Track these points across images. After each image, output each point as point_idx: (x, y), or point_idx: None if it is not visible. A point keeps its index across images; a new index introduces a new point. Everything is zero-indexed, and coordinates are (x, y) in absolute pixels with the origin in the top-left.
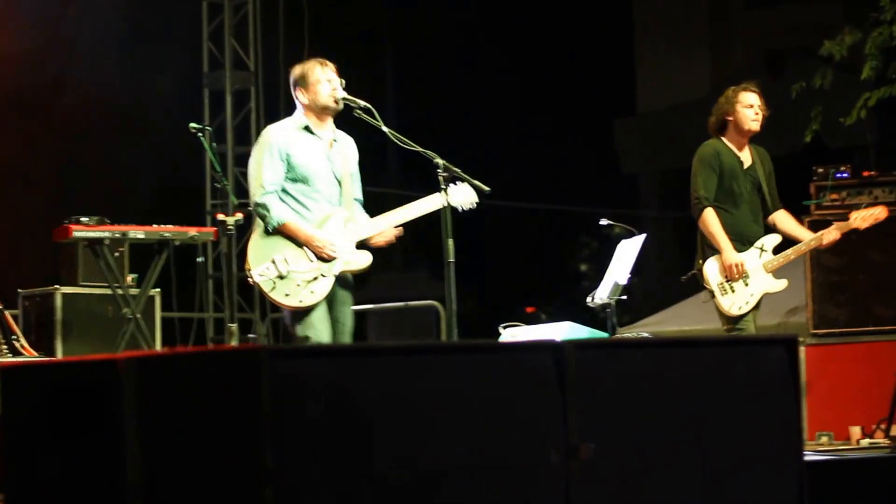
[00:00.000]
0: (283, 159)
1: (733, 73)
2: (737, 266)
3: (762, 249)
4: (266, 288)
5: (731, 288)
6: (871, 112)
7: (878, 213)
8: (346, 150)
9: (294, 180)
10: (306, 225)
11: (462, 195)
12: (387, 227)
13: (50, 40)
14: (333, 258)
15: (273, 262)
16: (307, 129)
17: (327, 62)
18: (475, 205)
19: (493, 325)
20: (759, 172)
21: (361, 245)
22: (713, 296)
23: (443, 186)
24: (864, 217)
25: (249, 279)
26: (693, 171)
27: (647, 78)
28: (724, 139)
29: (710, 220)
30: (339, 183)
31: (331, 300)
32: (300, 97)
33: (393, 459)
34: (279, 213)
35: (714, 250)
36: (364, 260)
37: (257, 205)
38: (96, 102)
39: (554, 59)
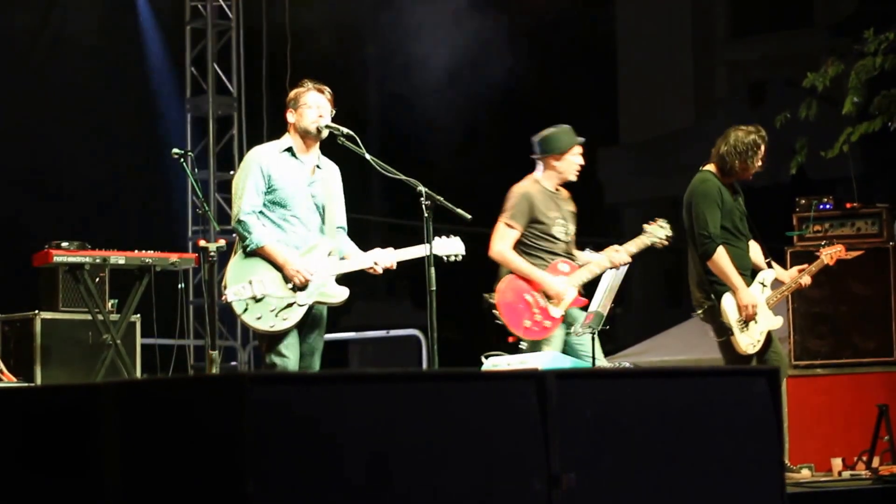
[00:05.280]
0: (265, 180)
1: (716, 103)
2: (753, 306)
3: (763, 285)
4: (238, 309)
5: (747, 326)
6: (854, 143)
7: (839, 251)
8: (329, 177)
9: (273, 203)
10: (284, 248)
11: (449, 246)
12: (369, 263)
13: (29, 57)
14: (305, 284)
15: (249, 282)
16: (291, 151)
17: (324, 89)
18: (461, 257)
19: (475, 353)
20: (741, 203)
21: (342, 279)
22: (731, 333)
23: (426, 215)
24: (831, 255)
25: (224, 298)
26: (696, 207)
27: (631, 107)
28: (715, 172)
29: (723, 258)
30: (322, 210)
31: (303, 325)
32: (288, 116)
33: (374, 487)
34: (259, 235)
35: (722, 285)
36: (340, 294)
37: (239, 222)
38: (76, 126)
39: (537, 88)
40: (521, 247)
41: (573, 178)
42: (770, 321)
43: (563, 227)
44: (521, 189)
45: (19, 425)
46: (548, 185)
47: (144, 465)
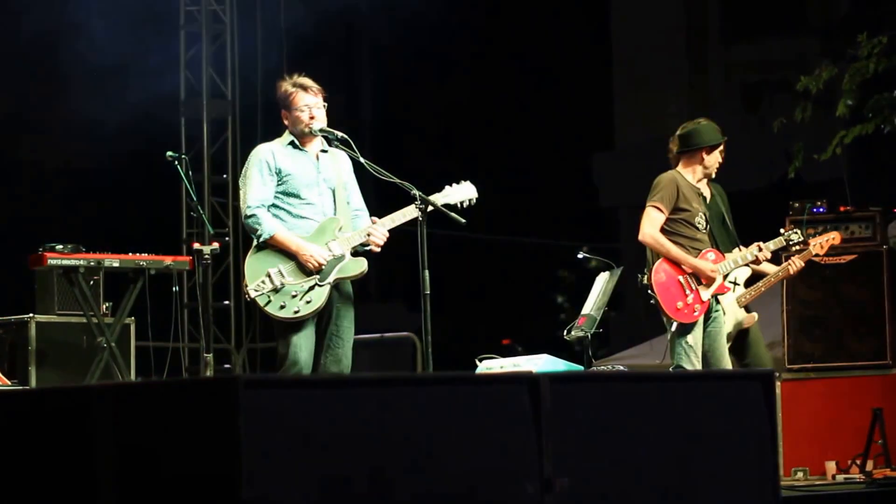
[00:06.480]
0: (274, 174)
1: (711, 106)
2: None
3: (735, 283)
4: (262, 302)
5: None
6: (847, 147)
7: (833, 237)
8: (337, 160)
9: (287, 193)
10: (295, 236)
11: (461, 193)
12: (375, 231)
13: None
14: (320, 268)
15: (268, 275)
16: (293, 144)
17: (311, 86)
18: (474, 201)
19: (469, 357)
20: (721, 206)
21: (359, 252)
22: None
23: (420, 219)
24: (822, 243)
25: (246, 296)
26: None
27: (626, 112)
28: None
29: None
30: (333, 193)
31: (328, 313)
32: (283, 118)
33: (368, 491)
34: (269, 225)
35: None
36: (358, 267)
37: (247, 217)
38: (71, 129)
39: (533, 93)
40: (663, 233)
41: (713, 174)
42: (738, 316)
43: (703, 219)
44: (669, 176)
45: (14, 428)
46: (690, 178)
47: (139, 468)
